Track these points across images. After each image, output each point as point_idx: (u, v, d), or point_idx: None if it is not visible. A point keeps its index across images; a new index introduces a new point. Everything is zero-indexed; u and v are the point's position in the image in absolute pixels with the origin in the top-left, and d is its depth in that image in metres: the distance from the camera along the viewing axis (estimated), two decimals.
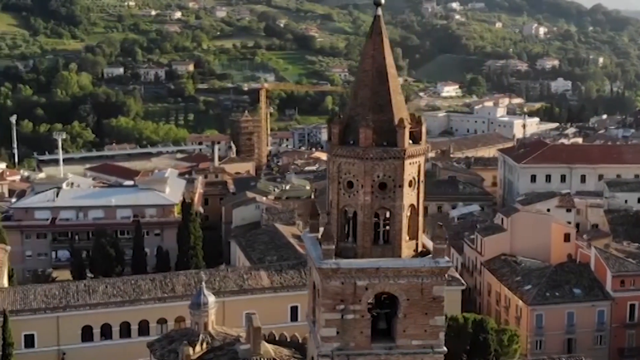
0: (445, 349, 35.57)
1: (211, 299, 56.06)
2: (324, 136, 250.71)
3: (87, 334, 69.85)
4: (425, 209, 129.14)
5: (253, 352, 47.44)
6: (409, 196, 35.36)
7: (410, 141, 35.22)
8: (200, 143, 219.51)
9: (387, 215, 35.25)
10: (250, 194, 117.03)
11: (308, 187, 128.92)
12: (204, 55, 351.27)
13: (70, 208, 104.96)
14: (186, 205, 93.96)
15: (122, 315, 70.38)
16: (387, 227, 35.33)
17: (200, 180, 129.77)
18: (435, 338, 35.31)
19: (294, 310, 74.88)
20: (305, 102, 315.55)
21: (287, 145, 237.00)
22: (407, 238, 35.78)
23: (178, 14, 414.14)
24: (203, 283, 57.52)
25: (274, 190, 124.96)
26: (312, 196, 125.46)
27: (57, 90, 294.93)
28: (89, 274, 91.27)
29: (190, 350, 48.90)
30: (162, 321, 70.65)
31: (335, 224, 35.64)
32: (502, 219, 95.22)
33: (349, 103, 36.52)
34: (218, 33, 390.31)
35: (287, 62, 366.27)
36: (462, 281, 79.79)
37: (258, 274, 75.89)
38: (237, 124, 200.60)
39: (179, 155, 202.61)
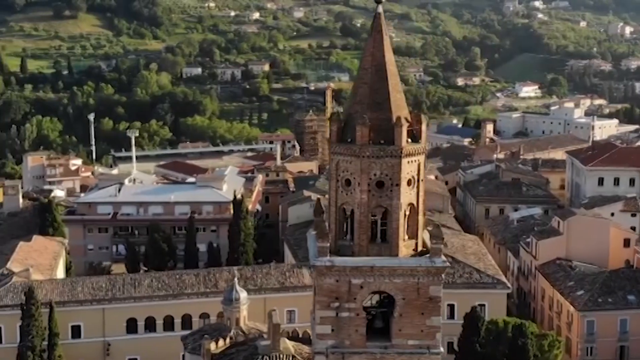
0: (442, 349, 35.17)
1: (243, 295, 56.87)
2: None
3: (131, 326, 71.78)
4: (487, 210, 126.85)
5: (272, 348, 47.89)
6: (408, 195, 35.05)
7: (409, 140, 34.90)
8: (270, 142, 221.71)
9: (385, 213, 35.04)
10: (307, 193, 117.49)
11: None
12: (279, 55, 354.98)
13: (131, 203, 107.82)
14: (237, 203, 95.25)
15: (165, 308, 72.03)
16: (385, 226, 35.11)
17: (260, 178, 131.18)
18: (431, 339, 34.92)
19: None
20: None
21: None
22: (406, 237, 35.48)
23: (256, 15, 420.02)
24: (235, 279, 58.49)
25: None
26: None
27: (138, 89, 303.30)
28: (143, 268, 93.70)
29: (213, 344, 49.72)
30: (204, 316, 71.86)
31: (334, 221, 35.70)
32: (559, 222, 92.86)
33: (349, 101, 36.47)
34: (294, 33, 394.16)
35: None
36: (508, 284, 78.21)
37: (300, 272, 76.43)
38: (302, 123, 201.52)
39: (249, 154, 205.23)
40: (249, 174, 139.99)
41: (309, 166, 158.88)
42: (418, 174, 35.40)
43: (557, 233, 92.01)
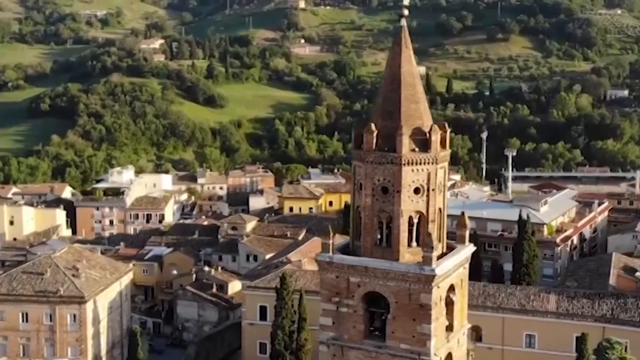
0: (432, 358, 34.78)
1: None
2: None
3: None
4: None
5: None
6: (413, 203, 35.48)
7: (417, 149, 35.39)
8: None
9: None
10: None
11: None
12: None
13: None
14: (522, 223, 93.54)
15: None
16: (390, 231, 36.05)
17: (603, 205, 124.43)
18: (422, 345, 34.83)
19: (580, 340, 70.94)
20: None
21: None
22: (415, 244, 35.87)
23: None
24: None
25: None
26: None
27: (553, 110, 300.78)
28: None
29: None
30: None
31: (352, 223, 37.75)
32: None
33: None
34: None
35: None
36: None
37: (547, 297, 73.82)
38: None
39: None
40: (604, 200, 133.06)
41: None
42: (428, 183, 35.60)
43: None
